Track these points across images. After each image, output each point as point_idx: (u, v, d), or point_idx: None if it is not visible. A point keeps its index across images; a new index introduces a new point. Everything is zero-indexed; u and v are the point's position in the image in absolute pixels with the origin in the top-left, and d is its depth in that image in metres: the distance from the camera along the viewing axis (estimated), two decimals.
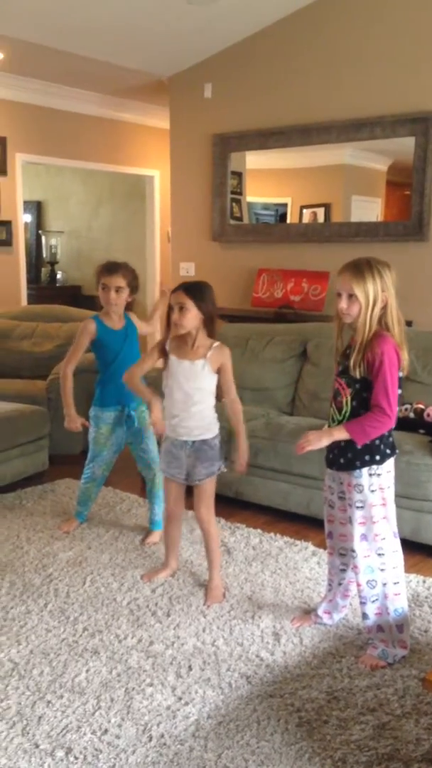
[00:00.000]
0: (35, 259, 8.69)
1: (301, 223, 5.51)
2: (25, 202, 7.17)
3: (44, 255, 8.72)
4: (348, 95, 4.91)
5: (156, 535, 3.39)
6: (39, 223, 8.80)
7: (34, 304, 6.33)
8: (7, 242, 6.15)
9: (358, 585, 2.45)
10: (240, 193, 5.75)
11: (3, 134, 6.01)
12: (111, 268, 3.24)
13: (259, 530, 3.55)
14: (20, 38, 4.86)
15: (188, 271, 5.91)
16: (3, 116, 6.00)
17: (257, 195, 5.85)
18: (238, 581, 3.03)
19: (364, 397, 2.32)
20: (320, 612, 2.68)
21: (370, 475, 2.37)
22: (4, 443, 3.89)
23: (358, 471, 2.37)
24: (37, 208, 8.77)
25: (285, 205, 5.76)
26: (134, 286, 3.28)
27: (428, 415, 3.56)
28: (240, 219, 5.74)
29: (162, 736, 2.08)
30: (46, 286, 8.53)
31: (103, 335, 3.29)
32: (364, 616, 2.47)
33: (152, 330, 3.59)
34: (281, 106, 5.23)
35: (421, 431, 3.51)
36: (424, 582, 3.00)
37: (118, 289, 3.21)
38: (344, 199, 5.41)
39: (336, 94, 4.97)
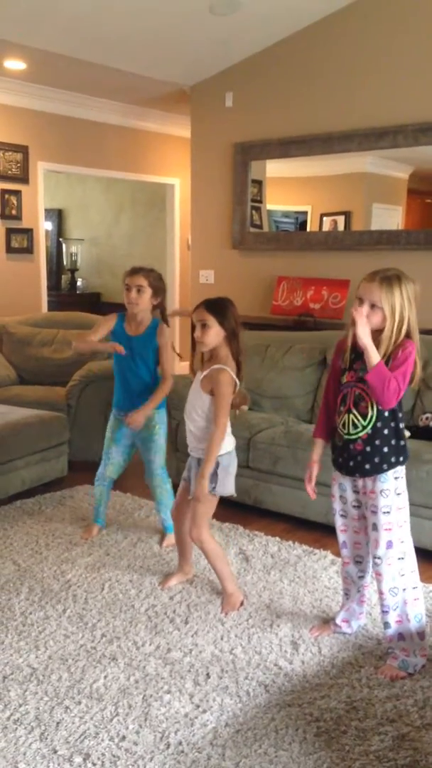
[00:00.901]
0: (56, 267, 8.76)
1: (321, 231, 5.50)
2: (47, 210, 7.24)
3: (65, 262, 8.79)
4: (369, 104, 4.91)
5: (171, 537, 3.38)
6: (60, 231, 8.89)
7: (55, 311, 6.37)
8: (29, 250, 6.21)
9: (381, 593, 2.43)
10: (260, 201, 5.76)
11: (25, 143, 6.08)
12: (134, 269, 3.30)
13: (277, 538, 3.53)
14: (43, 49, 4.92)
15: (208, 278, 5.92)
16: (25, 125, 6.07)
17: (277, 203, 5.86)
18: (256, 589, 3.01)
19: (381, 408, 2.33)
20: (339, 621, 2.67)
21: (396, 478, 2.38)
22: (24, 449, 3.92)
23: (384, 475, 2.36)
24: (58, 216, 8.85)
25: (305, 213, 5.76)
26: (157, 287, 3.27)
27: None
28: (260, 227, 5.75)
29: (180, 743, 2.07)
30: (67, 293, 8.60)
31: (117, 333, 3.34)
32: (386, 625, 2.45)
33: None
34: (302, 114, 5.24)
35: None
36: None
37: (139, 289, 3.23)
38: (365, 207, 5.40)
39: (357, 103, 4.97)
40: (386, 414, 2.34)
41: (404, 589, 2.41)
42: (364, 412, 2.37)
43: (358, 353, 2.38)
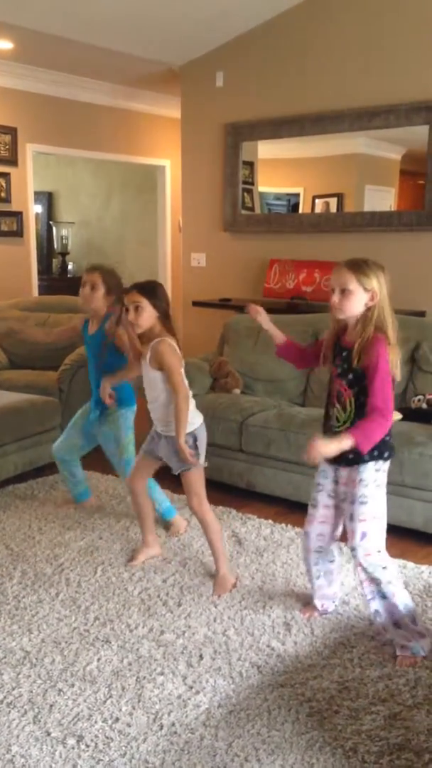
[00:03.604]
0: (46, 250, 8.69)
1: (313, 213, 5.47)
2: (36, 193, 7.16)
3: (55, 246, 8.72)
4: (361, 83, 4.86)
5: (177, 525, 3.38)
6: (50, 214, 8.80)
7: (46, 295, 6.33)
8: (18, 233, 6.16)
9: (363, 583, 2.43)
10: (252, 183, 5.72)
11: (14, 124, 6.00)
12: (91, 266, 3.34)
13: (270, 521, 3.54)
14: (31, 28, 4.83)
15: (199, 261, 5.88)
16: (14, 106, 5.99)
17: (269, 185, 5.82)
18: (249, 571, 3.02)
19: (361, 401, 2.35)
20: (318, 605, 2.68)
21: (376, 470, 2.39)
22: (16, 434, 3.90)
23: (364, 465, 2.37)
24: (48, 198, 8.76)
25: (297, 195, 5.72)
26: (112, 284, 3.25)
27: None
28: (252, 209, 5.71)
29: (173, 724, 2.08)
30: (58, 277, 8.54)
31: (83, 335, 3.44)
32: (376, 614, 2.45)
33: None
34: (294, 94, 5.18)
35: None
36: (423, 571, 2.99)
37: (93, 286, 3.25)
38: (357, 188, 5.36)
39: (349, 83, 4.92)
40: (366, 409, 2.33)
41: (389, 581, 2.40)
42: (344, 406, 2.41)
43: (340, 348, 2.41)
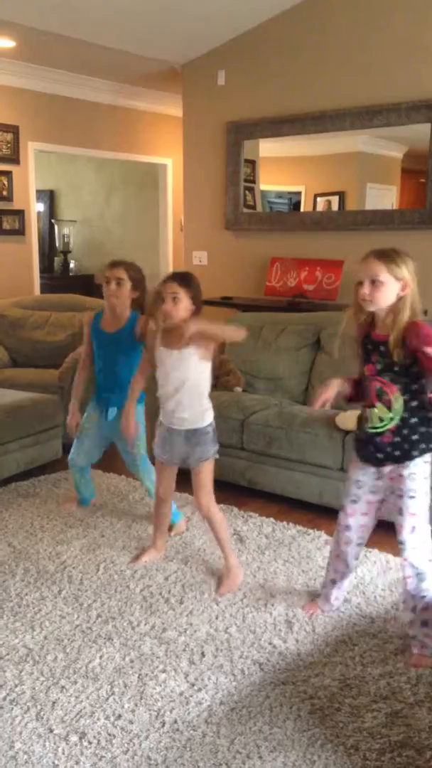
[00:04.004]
0: (48, 249, 8.69)
1: (315, 212, 5.47)
2: (38, 191, 7.15)
3: (57, 244, 8.72)
4: (363, 82, 4.86)
5: (180, 525, 3.38)
6: (52, 212, 8.80)
7: (48, 294, 6.33)
8: (20, 231, 6.16)
9: (408, 578, 2.39)
10: (253, 182, 5.72)
11: (15, 123, 6.00)
12: (113, 262, 3.25)
13: (271, 519, 3.55)
14: (33, 26, 4.83)
15: (201, 260, 5.89)
16: (15, 105, 5.99)
17: (271, 183, 5.82)
18: (250, 569, 3.03)
19: (413, 390, 2.28)
20: (333, 600, 2.68)
21: (425, 462, 2.34)
22: (18, 432, 3.91)
23: (411, 461, 2.32)
24: (49, 197, 8.76)
25: (299, 193, 5.72)
26: (137, 280, 3.22)
27: None
28: (253, 207, 5.71)
29: (175, 721, 2.09)
30: (59, 276, 8.54)
31: (94, 332, 3.32)
32: (413, 609, 2.40)
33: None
34: (295, 93, 5.18)
35: None
36: None
37: (119, 281, 3.18)
38: (359, 187, 5.36)
39: (350, 81, 4.92)
40: (413, 404, 2.29)
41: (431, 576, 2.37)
42: (388, 405, 2.30)
43: (374, 344, 2.32)
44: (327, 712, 2.13)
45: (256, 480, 3.79)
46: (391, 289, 2.24)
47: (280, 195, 5.87)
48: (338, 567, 2.63)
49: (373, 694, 2.22)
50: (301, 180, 5.71)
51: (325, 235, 5.22)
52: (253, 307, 5.10)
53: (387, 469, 2.39)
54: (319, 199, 5.52)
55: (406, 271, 2.24)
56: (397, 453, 2.34)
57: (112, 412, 3.30)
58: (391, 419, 2.31)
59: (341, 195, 5.39)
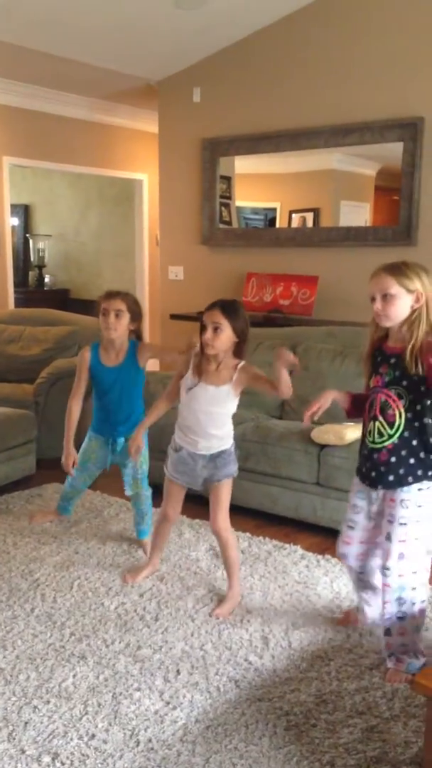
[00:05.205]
0: (23, 263, 8.65)
1: (290, 228, 5.51)
2: (13, 206, 7.13)
3: (32, 258, 8.69)
4: (337, 100, 4.93)
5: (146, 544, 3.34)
6: (26, 226, 8.78)
7: (22, 308, 6.29)
8: None
9: (386, 603, 2.35)
10: (229, 198, 5.76)
11: None
12: (110, 293, 3.18)
13: (248, 534, 3.54)
14: (8, 41, 4.84)
15: (177, 275, 5.90)
16: None
17: (246, 199, 5.86)
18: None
19: (417, 409, 2.21)
20: (369, 617, 2.64)
21: (419, 490, 2.26)
22: None
23: (406, 487, 2.25)
24: (24, 211, 8.74)
25: (274, 209, 5.76)
26: (135, 311, 3.18)
27: None
28: (229, 223, 5.75)
29: (149, 740, 2.06)
30: (34, 290, 8.51)
31: (95, 368, 3.24)
32: (387, 632, 2.38)
33: (172, 359, 3.32)
34: (270, 111, 5.24)
35: None
36: None
37: (117, 313, 3.12)
38: (333, 203, 5.42)
39: (325, 100, 4.99)
40: (416, 424, 2.21)
41: (413, 603, 2.33)
42: (392, 420, 2.24)
43: (384, 356, 2.28)
44: (303, 729, 2.12)
45: (232, 495, 3.77)
46: (404, 302, 2.18)
47: (255, 211, 5.91)
48: (355, 587, 2.62)
49: (348, 710, 2.21)
50: (277, 196, 5.76)
51: (300, 250, 5.26)
52: None
53: (380, 493, 2.34)
54: (294, 215, 5.57)
55: (419, 282, 2.17)
56: (390, 477, 2.27)
57: (120, 443, 3.26)
58: (391, 436, 2.25)
59: (316, 211, 5.45)
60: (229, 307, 2.62)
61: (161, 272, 6.05)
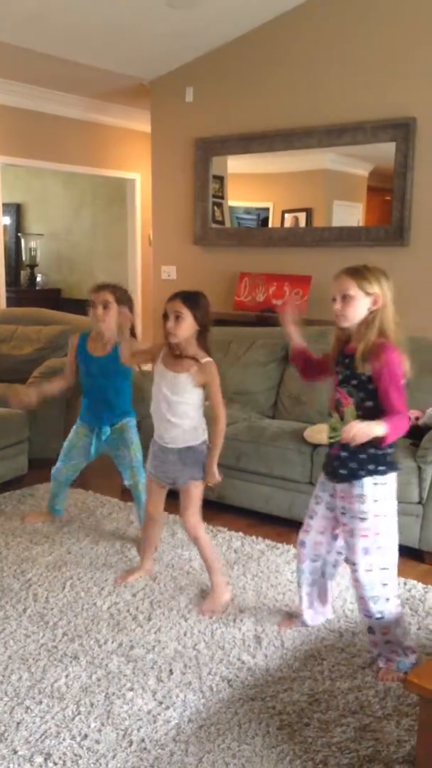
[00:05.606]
0: (15, 262, 8.63)
1: (282, 228, 5.52)
2: (5, 205, 7.11)
3: (24, 258, 8.67)
4: (330, 101, 4.94)
5: None
6: (18, 225, 8.75)
7: (14, 307, 6.27)
8: None
9: (362, 599, 2.37)
10: (222, 197, 5.76)
11: None
12: (99, 285, 3.21)
13: (240, 533, 3.54)
14: (2, 41, 4.82)
15: (170, 274, 5.90)
16: None
17: (239, 199, 5.86)
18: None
19: (368, 407, 2.27)
20: (307, 618, 2.66)
21: (375, 484, 2.31)
22: None
23: (359, 480, 2.31)
24: (16, 210, 8.71)
25: (267, 209, 5.77)
26: (123, 300, 3.19)
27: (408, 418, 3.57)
28: (222, 223, 5.75)
29: (142, 740, 2.06)
30: (26, 289, 8.48)
31: (81, 355, 3.29)
32: (370, 630, 2.40)
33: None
34: (263, 110, 5.24)
35: None
36: (405, 584, 3.01)
37: (105, 305, 3.14)
38: (326, 204, 5.43)
39: (318, 100, 5.00)
40: (367, 419, 2.24)
41: (388, 599, 2.35)
42: (342, 416, 2.33)
43: (343, 355, 2.35)
44: (296, 728, 2.12)
45: (225, 494, 3.78)
46: (361, 304, 2.27)
47: (248, 211, 5.91)
48: (299, 581, 2.64)
49: (341, 709, 2.21)
50: (269, 196, 5.77)
51: (293, 250, 5.27)
52: (221, 321, 5.10)
53: (339, 486, 2.39)
54: (286, 215, 5.58)
55: (378, 287, 2.26)
56: (343, 471, 2.34)
57: (106, 431, 3.30)
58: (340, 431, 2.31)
59: (308, 211, 5.46)
60: (189, 297, 2.69)
61: (154, 272, 6.04)
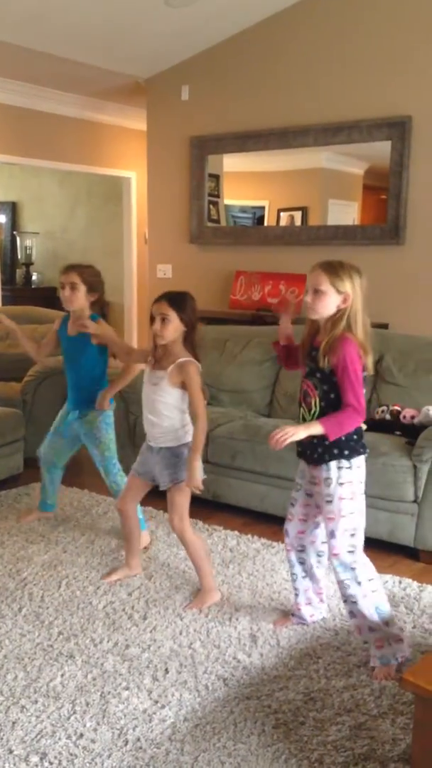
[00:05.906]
0: (10, 261, 8.61)
1: (278, 226, 5.52)
2: (0, 203, 7.11)
3: (19, 256, 8.65)
4: (325, 99, 4.94)
5: (145, 536, 3.33)
6: (14, 223, 8.73)
7: (9, 306, 6.26)
8: None
9: (338, 583, 2.43)
10: (217, 196, 5.75)
11: None
12: (67, 266, 3.25)
13: (236, 532, 3.54)
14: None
15: (165, 273, 5.89)
16: None
17: (235, 198, 5.86)
18: (215, 583, 3.01)
19: (331, 398, 2.36)
20: (306, 615, 2.68)
21: (339, 468, 2.39)
22: None
23: (326, 464, 2.39)
24: (12, 209, 8.69)
25: (262, 208, 5.77)
26: (93, 283, 3.21)
27: (404, 417, 3.58)
28: (217, 221, 5.75)
29: (138, 739, 2.06)
30: (22, 288, 8.47)
31: (60, 334, 3.36)
32: (350, 614, 2.45)
33: (119, 349, 3.18)
34: (259, 109, 5.24)
35: (398, 433, 3.53)
36: (400, 582, 3.02)
37: (72, 286, 3.18)
38: (321, 202, 5.43)
39: (314, 98, 5.00)
40: (328, 412, 2.35)
41: (359, 582, 2.38)
42: (309, 407, 2.42)
43: (312, 347, 2.43)
44: (291, 726, 2.12)
45: (221, 493, 3.78)
46: (331, 300, 2.33)
47: (244, 209, 5.91)
48: (292, 572, 2.66)
49: (337, 707, 2.21)
50: (265, 195, 5.77)
51: (288, 249, 5.27)
52: (217, 320, 5.11)
53: (313, 472, 2.48)
54: (282, 213, 5.58)
55: (349, 285, 2.31)
56: (312, 455, 2.42)
57: (74, 414, 3.33)
58: (310, 420, 2.40)
59: (304, 210, 5.46)
60: (175, 299, 2.71)
61: (149, 270, 6.04)
